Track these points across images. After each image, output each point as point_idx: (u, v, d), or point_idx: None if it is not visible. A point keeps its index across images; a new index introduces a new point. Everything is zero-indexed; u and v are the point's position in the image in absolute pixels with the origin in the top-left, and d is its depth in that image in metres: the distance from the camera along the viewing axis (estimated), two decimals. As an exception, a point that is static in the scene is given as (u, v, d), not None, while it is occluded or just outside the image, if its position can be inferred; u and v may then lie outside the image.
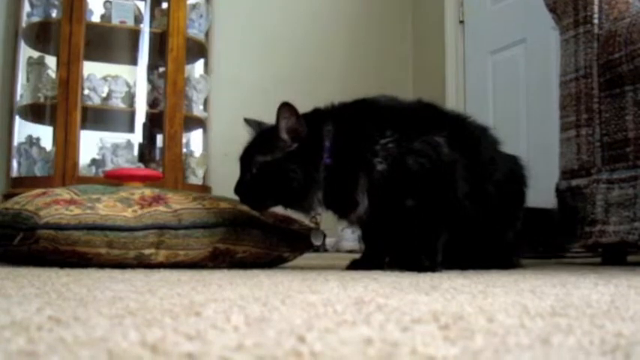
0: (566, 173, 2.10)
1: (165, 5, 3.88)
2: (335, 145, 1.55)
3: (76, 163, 3.51)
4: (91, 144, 3.73)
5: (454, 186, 1.60)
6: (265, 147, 1.57)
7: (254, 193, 1.57)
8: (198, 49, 3.99)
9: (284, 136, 1.54)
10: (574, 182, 2.06)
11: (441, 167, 1.57)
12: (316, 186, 1.53)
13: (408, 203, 1.55)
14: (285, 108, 1.54)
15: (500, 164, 1.74)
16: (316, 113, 1.63)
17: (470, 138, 1.70)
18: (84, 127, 3.61)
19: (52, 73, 3.71)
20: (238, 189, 1.58)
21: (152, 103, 3.84)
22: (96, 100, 3.70)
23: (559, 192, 2.13)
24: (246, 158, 1.60)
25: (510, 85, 3.78)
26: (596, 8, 2.04)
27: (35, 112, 3.73)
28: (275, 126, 1.55)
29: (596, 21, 2.03)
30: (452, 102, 3.98)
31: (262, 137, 1.62)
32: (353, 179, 1.54)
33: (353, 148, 1.55)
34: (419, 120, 1.63)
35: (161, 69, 3.91)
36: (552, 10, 2.19)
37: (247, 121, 1.71)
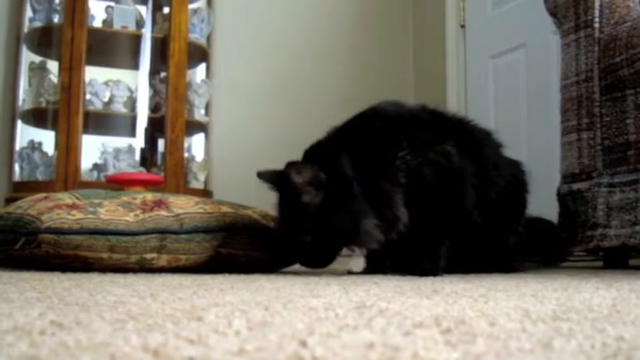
0: (568, 177, 2.10)
1: (166, 10, 3.88)
2: (359, 172, 1.52)
3: (77, 168, 3.51)
4: (92, 148, 3.73)
5: (463, 194, 1.60)
6: (298, 213, 1.50)
7: (320, 256, 1.54)
8: (199, 54, 3.99)
9: (308, 191, 1.49)
10: (575, 186, 2.06)
11: (452, 177, 1.58)
12: (363, 216, 1.50)
13: (417, 211, 1.55)
14: (294, 168, 1.49)
15: (503, 169, 1.74)
16: (325, 146, 1.59)
17: (473, 143, 1.70)
18: (86, 131, 3.61)
19: (54, 77, 3.71)
20: (305, 258, 1.55)
21: (154, 108, 3.85)
22: (98, 105, 3.70)
23: (560, 196, 2.13)
24: (291, 236, 1.54)
25: (511, 89, 3.78)
26: (596, 12, 2.04)
27: (37, 117, 3.73)
28: (293, 186, 1.49)
29: (597, 25, 2.04)
30: (453, 106, 3.97)
31: (290, 205, 1.54)
32: (389, 197, 1.53)
33: (377, 169, 1.53)
34: (428, 128, 1.63)
35: (163, 74, 3.91)
36: (553, 14, 2.20)
37: (260, 175, 1.63)
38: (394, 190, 1.52)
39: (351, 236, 1.51)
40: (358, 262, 1.68)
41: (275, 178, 1.58)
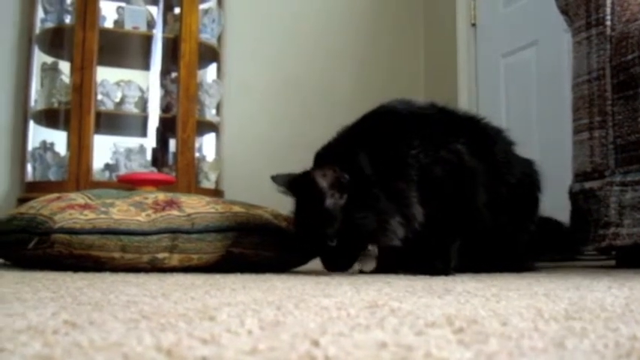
0: (579, 176, 2.09)
1: (177, 10, 3.89)
2: (375, 171, 1.51)
3: (89, 168, 3.52)
4: (104, 149, 3.75)
5: (474, 193, 1.60)
6: (322, 217, 1.49)
7: (345, 258, 1.53)
8: (210, 54, 3.99)
9: (331, 194, 1.48)
10: (587, 185, 2.05)
11: (462, 176, 1.57)
12: (389, 215, 1.49)
13: (428, 210, 1.55)
14: (318, 172, 1.48)
15: (515, 167, 1.74)
16: (341, 146, 1.58)
17: (485, 141, 1.70)
18: (97, 131, 3.62)
19: (65, 78, 3.72)
20: (330, 262, 1.53)
21: (165, 108, 3.86)
22: (109, 105, 3.71)
23: (572, 194, 2.12)
24: (315, 241, 1.52)
25: (522, 87, 3.77)
26: (608, 10, 2.03)
27: (49, 118, 3.75)
28: (318, 190, 1.48)
29: (608, 23, 2.03)
30: (464, 105, 3.96)
31: (312, 210, 1.51)
32: (405, 196, 1.52)
33: (391, 168, 1.53)
34: (439, 127, 1.63)
35: (174, 74, 3.92)
36: (564, 12, 2.19)
37: (275, 179, 1.62)
38: (409, 188, 1.52)
39: (377, 236, 1.51)
40: (369, 262, 1.68)
41: (292, 182, 1.57)
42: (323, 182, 1.47)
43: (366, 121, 1.63)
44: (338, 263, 1.52)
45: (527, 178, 1.79)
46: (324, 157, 1.54)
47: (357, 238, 1.50)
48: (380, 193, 1.49)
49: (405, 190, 1.51)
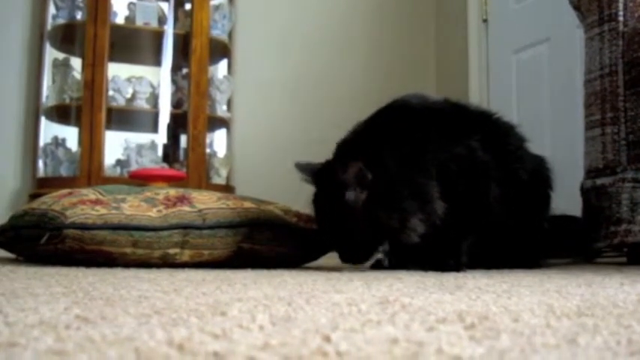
0: (591, 172, 2.09)
1: (188, 6, 3.90)
2: (398, 166, 1.50)
3: (101, 164, 3.54)
4: (115, 144, 3.76)
5: (486, 190, 1.60)
6: (342, 211, 1.48)
7: (362, 251, 1.52)
8: (221, 50, 4.00)
9: (353, 189, 1.47)
10: (599, 181, 2.04)
11: (475, 172, 1.57)
12: (410, 213, 1.48)
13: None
14: (341, 165, 1.47)
15: (526, 163, 1.74)
16: (362, 141, 1.56)
17: (497, 137, 1.70)
18: (109, 127, 3.63)
19: (77, 74, 3.74)
20: (348, 254, 1.52)
21: (176, 104, 3.86)
22: (120, 101, 3.72)
23: (584, 191, 2.11)
24: (334, 230, 1.52)
25: (534, 83, 3.76)
26: (621, 6, 2.02)
27: (61, 113, 3.76)
28: (339, 183, 1.47)
29: (621, 18, 2.02)
30: (475, 101, 3.95)
31: (333, 203, 1.50)
32: (426, 191, 1.51)
33: (412, 164, 1.52)
34: (453, 122, 1.62)
35: (185, 70, 3.93)
36: (576, 7, 2.18)
37: (299, 167, 1.61)
38: (430, 184, 1.50)
39: (397, 234, 1.50)
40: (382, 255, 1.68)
41: (316, 173, 1.57)
42: (347, 176, 1.46)
43: (383, 115, 1.62)
44: (354, 256, 1.52)
45: (538, 174, 1.78)
46: (347, 151, 1.52)
47: (376, 234, 1.50)
48: (402, 190, 1.48)
49: (427, 185, 1.50)
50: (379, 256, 1.68)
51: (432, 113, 1.63)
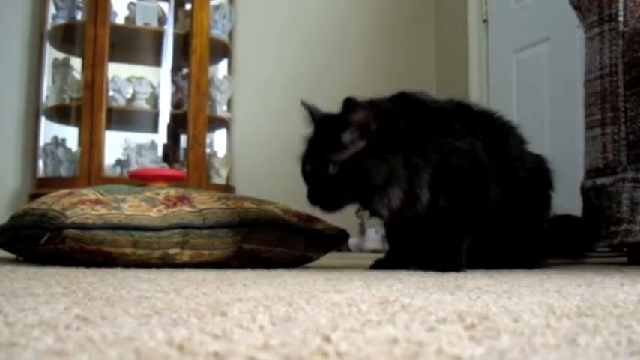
0: (591, 172, 2.09)
1: (188, 6, 3.90)
2: (402, 141, 1.50)
3: (101, 164, 3.54)
4: (115, 145, 3.76)
5: (487, 190, 1.60)
6: (336, 144, 1.46)
7: (334, 194, 1.48)
8: (221, 50, 4.00)
9: (352, 132, 1.46)
10: (599, 181, 2.04)
11: (476, 170, 1.57)
12: (395, 181, 1.47)
13: (440, 202, 1.54)
14: (351, 104, 1.46)
15: (526, 163, 1.74)
16: (376, 103, 1.54)
17: (498, 136, 1.70)
18: (109, 127, 3.64)
19: (77, 74, 3.74)
20: (317, 192, 1.48)
21: (176, 104, 3.87)
22: (120, 101, 3.73)
23: (584, 191, 2.11)
24: (319, 159, 1.48)
25: (534, 83, 3.76)
26: (621, 6, 2.02)
27: (61, 114, 3.76)
28: (341, 119, 1.47)
29: (621, 18, 2.02)
30: (475, 101, 3.95)
31: (329, 133, 1.50)
32: (418, 174, 1.50)
33: (413, 144, 1.51)
34: (457, 120, 1.62)
35: (185, 70, 3.93)
36: (576, 7, 2.18)
37: (305, 105, 1.60)
38: (424, 169, 1.50)
39: (373, 194, 1.47)
40: (369, 240, 1.67)
41: (318, 114, 1.57)
42: (351, 116, 1.45)
43: (391, 99, 1.61)
44: (322, 200, 1.48)
45: (539, 174, 1.79)
46: (356, 100, 1.48)
47: (353, 189, 1.47)
48: (397, 160, 1.47)
49: (420, 168, 1.49)
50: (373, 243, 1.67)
51: (437, 108, 1.63)
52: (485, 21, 4.19)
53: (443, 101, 1.70)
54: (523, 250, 1.75)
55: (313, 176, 1.49)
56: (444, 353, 0.44)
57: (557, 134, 3.47)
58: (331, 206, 1.49)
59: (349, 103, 1.45)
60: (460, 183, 1.56)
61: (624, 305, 0.74)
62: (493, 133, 1.69)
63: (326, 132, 1.51)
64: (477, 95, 4.08)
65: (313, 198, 1.49)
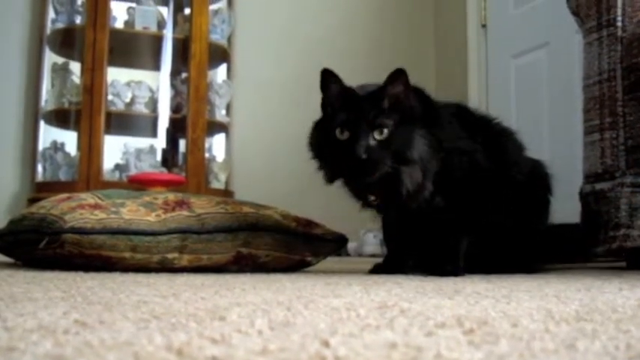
0: (590, 177, 2.09)
1: (187, 11, 3.91)
2: (422, 130, 1.50)
3: (100, 168, 3.54)
4: (114, 149, 3.76)
5: (484, 191, 1.60)
6: (382, 111, 1.46)
7: (378, 158, 1.43)
8: (220, 55, 4.00)
9: (391, 102, 1.47)
10: (598, 186, 2.04)
11: (475, 173, 1.57)
12: (421, 163, 1.48)
13: (437, 201, 1.54)
14: (391, 80, 1.49)
15: (525, 168, 1.74)
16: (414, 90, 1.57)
17: (497, 141, 1.70)
18: (108, 132, 3.64)
19: (76, 78, 3.74)
20: (357, 157, 1.41)
21: (175, 109, 3.87)
22: (120, 106, 3.73)
23: (582, 196, 2.11)
24: (363, 123, 1.44)
25: (533, 88, 3.76)
26: (619, 11, 2.02)
27: (60, 118, 3.76)
28: (383, 89, 1.50)
29: (619, 24, 2.02)
30: (474, 106, 3.95)
31: (371, 101, 1.49)
32: (431, 164, 1.50)
33: (434, 142, 1.52)
34: (460, 123, 1.63)
35: (184, 74, 3.93)
36: (575, 13, 2.18)
37: (331, 73, 1.59)
38: (432, 162, 1.50)
39: (406, 164, 1.46)
40: (368, 245, 1.67)
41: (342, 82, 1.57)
42: (392, 88, 1.49)
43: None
44: (367, 163, 1.42)
45: (537, 179, 1.79)
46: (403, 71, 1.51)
47: (397, 154, 1.45)
48: (422, 141, 1.48)
49: (430, 160, 1.50)
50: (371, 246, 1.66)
51: (443, 109, 1.64)
52: (484, 26, 4.20)
53: (442, 103, 1.70)
54: (522, 255, 1.76)
55: (354, 140, 1.43)
56: (443, 358, 0.44)
57: (556, 139, 3.47)
58: (375, 170, 1.44)
59: (396, 74, 1.49)
60: (458, 182, 1.56)
61: (623, 310, 0.74)
62: (492, 138, 1.69)
63: (369, 100, 1.50)
64: (475, 100, 4.09)
65: (356, 161, 1.42)
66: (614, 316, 0.68)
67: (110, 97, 3.68)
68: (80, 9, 3.73)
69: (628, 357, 0.45)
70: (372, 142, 1.42)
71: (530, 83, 3.80)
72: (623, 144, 1.99)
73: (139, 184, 2.99)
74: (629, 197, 1.95)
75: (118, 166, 3.79)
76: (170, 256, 1.53)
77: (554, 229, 1.90)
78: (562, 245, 1.98)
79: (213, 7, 3.94)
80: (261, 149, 4.13)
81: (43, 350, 0.44)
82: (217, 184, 3.88)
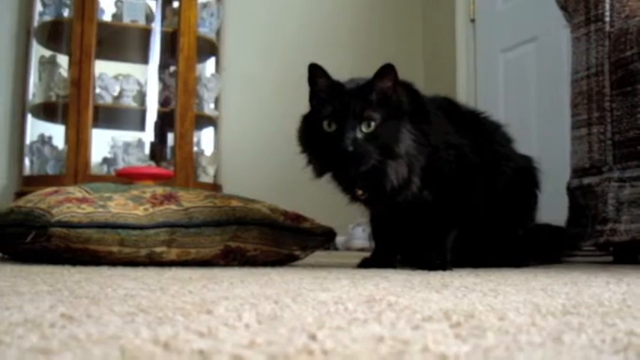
0: (578, 171, 2.10)
1: (176, 4, 3.89)
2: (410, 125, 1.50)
3: (87, 162, 3.52)
4: (102, 142, 3.75)
5: (472, 185, 1.61)
6: (370, 104, 1.45)
7: (365, 150, 1.42)
8: (209, 48, 3.99)
9: (378, 96, 1.47)
10: (585, 180, 2.05)
11: (463, 167, 1.58)
12: (407, 157, 1.47)
13: (424, 195, 1.54)
14: (381, 73, 1.49)
15: (513, 162, 1.75)
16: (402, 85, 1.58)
17: (484, 135, 1.71)
18: (95, 125, 3.62)
19: (63, 72, 3.72)
20: (344, 148, 1.40)
21: (163, 102, 3.85)
22: (107, 99, 3.71)
23: (570, 190, 2.12)
24: (351, 116, 1.43)
25: (521, 83, 3.77)
26: (607, 6, 2.03)
27: (47, 111, 3.75)
28: (371, 84, 1.49)
29: (607, 19, 2.03)
30: (463, 100, 3.95)
31: (360, 94, 1.48)
32: (417, 159, 1.50)
33: (423, 134, 1.52)
34: (448, 117, 1.64)
35: (172, 68, 3.92)
36: (563, 7, 2.19)
37: (317, 67, 1.58)
38: (419, 157, 1.50)
39: (392, 158, 1.45)
40: (356, 239, 1.67)
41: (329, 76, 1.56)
42: (381, 82, 1.49)
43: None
44: (354, 154, 1.42)
45: (526, 173, 1.79)
46: (392, 67, 1.50)
47: (384, 147, 1.44)
48: (409, 134, 1.48)
49: (417, 157, 1.50)
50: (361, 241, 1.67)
51: (431, 103, 1.64)
52: (472, 20, 4.20)
53: (435, 98, 1.71)
54: (509, 249, 1.76)
55: (341, 133, 1.43)
56: (430, 351, 0.44)
57: (544, 133, 3.48)
58: (361, 162, 1.44)
59: (385, 69, 1.48)
60: (446, 177, 1.56)
61: (609, 304, 0.75)
62: (479, 132, 1.70)
63: (357, 93, 1.49)
64: (464, 94, 4.09)
65: (343, 153, 1.41)
66: (600, 310, 0.69)
67: (98, 91, 3.66)
68: (68, 2, 3.70)
69: (614, 350, 0.46)
70: (359, 135, 1.42)
71: (518, 78, 3.81)
72: (610, 139, 2.00)
73: (127, 178, 2.98)
74: (616, 192, 1.96)
75: (105, 160, 3.78)
76: (158, 250, 1.52)
77: (540, 228, 1.91)
78: (548, 240, 1.99)
79: (201, 0, 3.93)
80: (250, 143, 4.12)
81: (28, 344, 0.44)
82: (206, 178, 3.87)
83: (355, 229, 3.77)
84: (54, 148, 3.68)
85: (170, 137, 3.97)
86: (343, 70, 1.64)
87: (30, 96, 3.75)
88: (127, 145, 3.77)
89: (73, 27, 3.57)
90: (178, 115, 3.69)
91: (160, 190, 1.66)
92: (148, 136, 3.91)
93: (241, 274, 1.26)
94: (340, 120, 1.44)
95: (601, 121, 2.02)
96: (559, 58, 3.39)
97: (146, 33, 3.86)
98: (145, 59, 3.92)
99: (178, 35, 3.74)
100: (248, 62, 4.25)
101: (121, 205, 1.55)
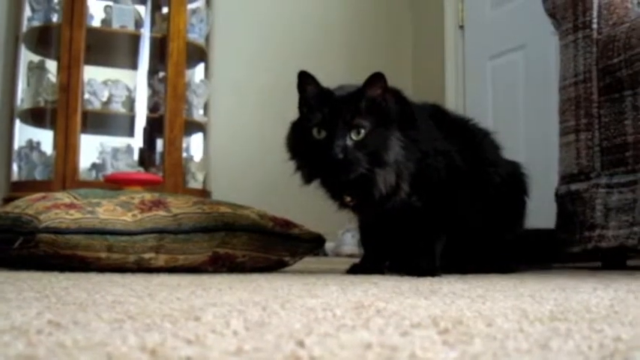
0: (566, 178, 2.10)
1: (165, 10, 3.89)
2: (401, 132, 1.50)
3: (76, 168, 3.51)
4: (91, 148, 3.74)
5: (460, 192, 1.61)
6: (359, 112, 1.45)
7: (354, 159, 1.42)
8: (198, 54, 3.99)
9: (367, 104, 1.47)
10: (573, 187, 2.06)
11: (451, 173, 1.58)
12: (396, 165, 1.48)
13: (413, 201, 1.55)
14: (371, 81, 1.49)
15: (501, 169, 1.75)
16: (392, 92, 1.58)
17: (473, 141, 1.71)
18: (84, 131, 3.61)
19: (52, 77, 3.71)
20: (334, 157, 1.40)
21: (152, 108, 3.85)
22: (96, 105, 3.70)
23: (558, 197, 2.13)
24: (341, 124, 1.43)
25: (510, 89, 3.78)
26: (595, 13, 2.04)
27: (36, 117, 3.73)
28: (361, 91, 1.49)
29: (595, 26, 2.04)
30: (451, 107, 3.96)
31: (349, 102, 1.48)
32: (406, 167, 1.51)
33: (413, 142, 1.53)
34: (436, 124, 1.64)
35: (161, 73, 3.91)
36: (552, 15, 2.20)
37: (307, 75, 1.57)
38: (407, 164, 1.51)
39: (380, 167, 1.46)
40: (345, 245, 1.67)
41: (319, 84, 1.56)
42: (370, 90, 1.49)
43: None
44: (344, 163, 1.42)
45: (514, 180, 1.80)
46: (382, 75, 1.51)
47: (373, 154, 1.45)
48: (397, 143, 1.48)
49: (406, 162, 1.51)
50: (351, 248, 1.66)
51: (419, 110, 1.64)
52: (461, 27, 4.22)
53: (424, 105, 1.71)
54: (498, 255, 1.77)
55: (330, 140, 1.43)
56: (417, 358, 0.44)
57: (532, 140, 3.49)
58: (350, 170, 1.44)
59: (375, 78, 1.49)
60: (435, 183, 1.56)
61: (597, 310, 0.75)
62: (468, 139, 1.71)
63: (346, 101, 1.49)
64: (452, 101, 4.10)
65: (332, 161, 1.41)
66: (587, 316, 0.69)
67: (87, 96, 3.65)
68: (57, 7, 3.70)
69: (601, 356, 0.46)
70: (348, 143, 1.42)
71: (506, 85, 3.82)
72: (598, 145, 2.01)
73: (116, 184, 2.97)
74: (604, 198, 1.96)
75: (94, 166, 3.76)
76: (146, 256, 1.52)
77: (530, 233, 1.92)
78: (536, 246, 2.00)
79: (191, 6, 3.93)
80: (239, 149, 4.12)
81: (14, 351, 0.44)
82: (195, 184, 3.86)
83: (344, 235, 3.77)
84: (42, 153, 3.67)
85: (159, 143, 3.96)
86: (332, 76, 1.64)
87: (18, 101, 3.74)
88: (115, 151, 3.76)
89: (62, 32, 3.56)
90: (167, 121, 3.69)
91: (148, 196, 1.66)
92: (137, 141, 3.90)
93: (230, 280, 1.26)
94: (330, 127, 1.44)
95: (589, 127, 2.02)
96: (547, 65, 3.40)
97: (135, 38, 3.86)
98: (134, 65, 3.91)
99: (167, 41, 3.73)
100: (237, 68, 4.25)
101: (109, 211, 1.55)
